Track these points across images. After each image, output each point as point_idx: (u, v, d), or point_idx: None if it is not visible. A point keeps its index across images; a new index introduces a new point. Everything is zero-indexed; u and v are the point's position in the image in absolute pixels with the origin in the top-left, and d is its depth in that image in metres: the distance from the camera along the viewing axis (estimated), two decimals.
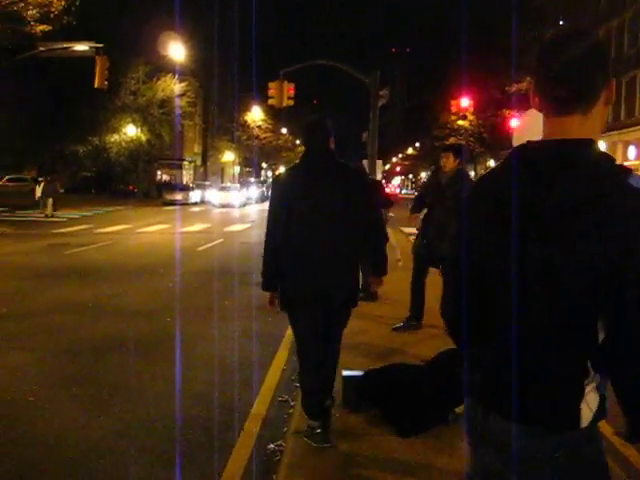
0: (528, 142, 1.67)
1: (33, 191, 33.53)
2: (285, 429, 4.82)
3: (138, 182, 49.89)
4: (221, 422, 4.99)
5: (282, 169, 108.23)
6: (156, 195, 50.79)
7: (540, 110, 1.68)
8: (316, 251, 4.24)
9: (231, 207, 42.56)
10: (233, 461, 4.40)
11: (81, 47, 25.41)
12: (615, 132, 39.47)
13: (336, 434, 4.53)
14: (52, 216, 28.53)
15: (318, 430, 4.43)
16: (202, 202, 48.41)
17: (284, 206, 4.28)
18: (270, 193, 4.62)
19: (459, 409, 4.51)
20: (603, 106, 1.63)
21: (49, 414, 5.21)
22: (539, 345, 1.63)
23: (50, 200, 29.17)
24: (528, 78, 41.23)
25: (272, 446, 4.56)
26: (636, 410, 1.65)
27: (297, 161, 4.52)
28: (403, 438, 4.38)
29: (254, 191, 54.23)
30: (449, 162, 7.31)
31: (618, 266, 1.53)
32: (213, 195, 47.47)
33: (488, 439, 1.72)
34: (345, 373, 5.05)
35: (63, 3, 23.46)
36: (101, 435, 4.83)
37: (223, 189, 49.14)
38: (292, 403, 5.35)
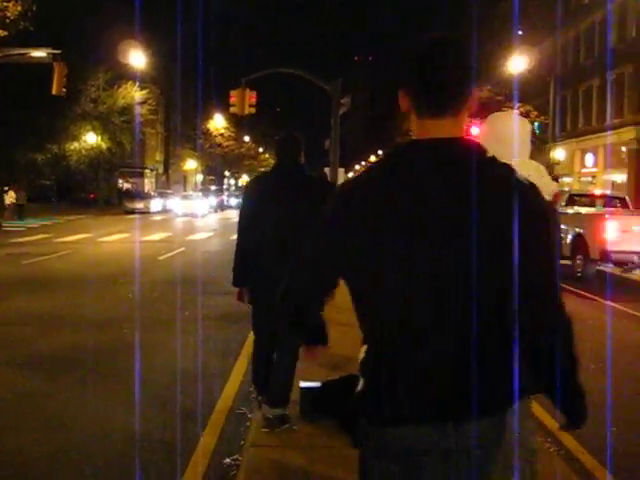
0: (408, 142, 1.75)
1: None
2: (242, 442, 4.74)
3: (99, 190, 49.21)
4: (177, 435, 4.89)
5: (245, 177, 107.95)
6: (117, 204, 50.17)
7: (414, 111, 1.74)
8: (282, 256, 4.35)
9: (194, 216, 41.48)
10: (189, 476, 4.31)
11: (38, 53, 24.88)
12: (573, 139, 40.19)
13: (293, 448, 4.47)
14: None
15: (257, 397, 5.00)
16: (164, 211, 47.93)
17: (254, 211, 4.71)
18: (242, 198, 5.07)
19: None
20: (466, 112, 1.74)
21: None
22: (474, 340, 1.65)
23: None
24: (489, 86, 41.85)
25: (228, 460, 4.48)
26: (565, 387, 1.78)
27: (264, 169, 4.84)
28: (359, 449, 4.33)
29: (213, 200, 53.67)
30: None
31: (527, 259, 1.64)
32: (175, 204, 46.54)
33: (461, 448, 1.69)
34: (302, 384, 4.99)
35: (19, 8, 23.06)
36: (55, 451, 4.69)
37: (186, 198, 48.15)
38: (250, 415, 5.26)
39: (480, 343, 1.66)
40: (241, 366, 6.86)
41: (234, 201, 62.72)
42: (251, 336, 8.11)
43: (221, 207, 55.17)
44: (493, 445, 1.75)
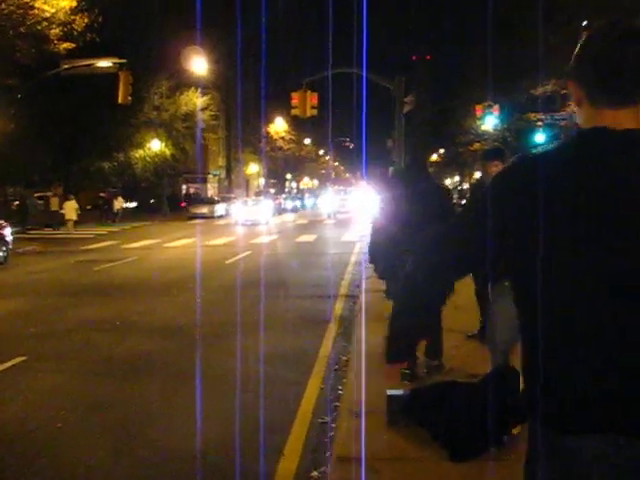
0: (594, 129, 1.64)
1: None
2: (328, 453, 4.52)
3: (163, 197, 49.96)
4: (258, 447, 4.70)
5: (306, 180, 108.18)
6: (181, 209, 50.87)
7: (588, 102, 1.68)
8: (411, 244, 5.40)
9: (256, 223, 36.77)
10: None
11: (104, 63, 25.44)
12: None
13: (383, 460, 4.23)
14: None
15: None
16: (227, 215, 48.14)
17: (390, 209, 6.03)
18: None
19: (516, 430, 4.19)
20: None
21: (77, 442, 4.96)
22: None
23: None
24: (553, 80, 40.71)
25: (315, 473, 4.27)
26: None
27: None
28: (455, 463, 4.07)
29: (271, 203, 48.09)
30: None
31: None
32: (236, 210, 41.91)
33: (633, 466, 1.57)
34: (389, 392, 4.75)
35: (86, 20, 23.53)
36: (132, 465, 4.57)
37: (247, 203, 43.43)
38: (333, 425, 5.04)
39: None
40: (318, 373, 6.66)
41: (290, 204, 60.76)
42: (325, 342, 7.97)
43: (279, 211, 51.85)
44: None
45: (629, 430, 1.56)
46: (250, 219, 37.93)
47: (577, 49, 1.71)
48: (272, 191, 66.17)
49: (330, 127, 78.12)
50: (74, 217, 31.83)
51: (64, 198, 32.70)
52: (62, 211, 31.83)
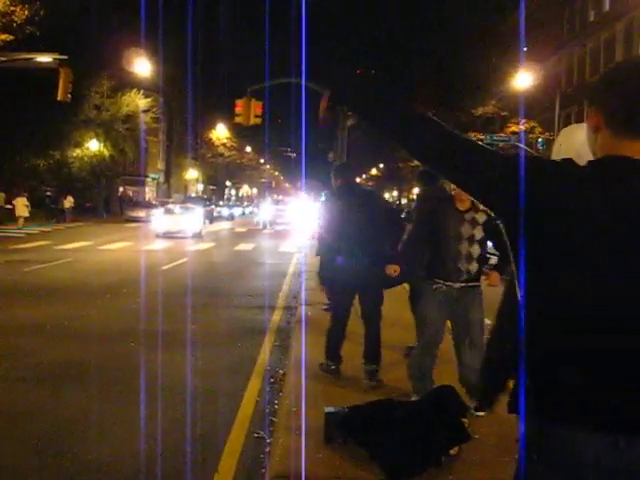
0: (620, 158, 1.62)
1: None
2: (263, 470, 4.43)
3: (100, 198, 48.95)
4: (191, 462, 4.58)
5: (246, 187, 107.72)
6: (118, 211, 49.91)
7: (608, 131, 1.67)
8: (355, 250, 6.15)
9: (182, 236, 29.57)
10: None
11: (44, 58, 24.68)
12: None
13: (320, 477, 4.17)
14: None
15: (332, 367, 6.34)
16: None
17: (334, 218, 6.45)
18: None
19: (453, 450, 4.19)
20: None
21: None
22: None
23: None
24: (493, 102, 41.62)
25: None
26: None
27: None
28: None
29: (201, 211, 36.69)
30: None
31: None
32: (156, 219, 32.47)
33: (631, 470, 1.53)
34: (327, 409, 4.69)
35: (26, 13, 22.85)
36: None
37: (170, 211, 33.33)
38: (269, 440, 4.95)
39: None
40: (254, 385, 6.55)
41: (226, 212, 57.69)
42: (262, 354, 7.87)
43: (210, 219, 46.25)
44: None
45: (628, 428, 1.53)
46: (173, 231, 30.11)
47: (606, 75, 1.72)
48: (205, 197, 63.62)
49: (267, 135, 77.90)
50: (25, 214, 31.09)
51: (14, 194, 32.02)
52: (9, 207, 31.22)
